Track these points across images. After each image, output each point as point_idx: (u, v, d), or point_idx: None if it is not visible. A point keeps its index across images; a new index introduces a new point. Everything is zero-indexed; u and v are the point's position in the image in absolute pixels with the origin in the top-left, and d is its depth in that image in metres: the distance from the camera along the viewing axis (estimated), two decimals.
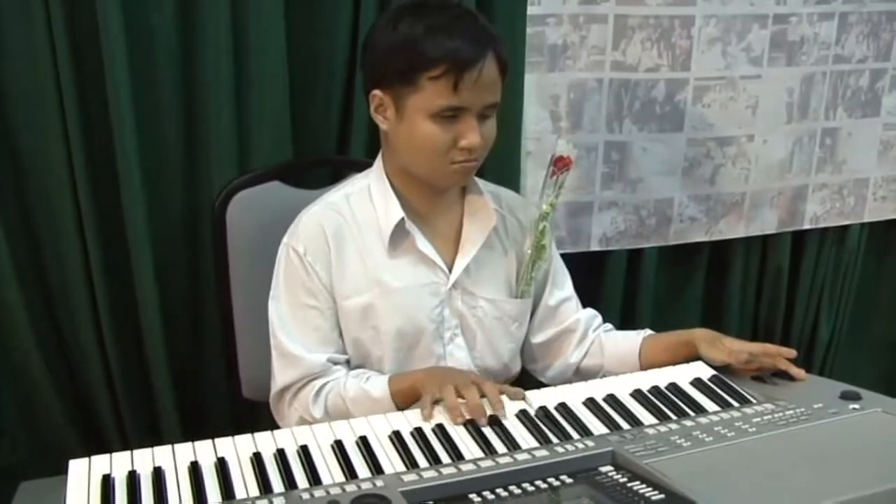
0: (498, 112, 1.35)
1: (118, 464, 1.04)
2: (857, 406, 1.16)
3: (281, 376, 1.38)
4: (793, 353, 1.34)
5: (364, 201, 1.40)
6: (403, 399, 1.29)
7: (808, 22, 2.11)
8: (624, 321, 2.20)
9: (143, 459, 1.05)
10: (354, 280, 1.37)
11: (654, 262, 2.25)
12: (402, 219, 1.36)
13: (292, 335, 1.37)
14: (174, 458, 1.06)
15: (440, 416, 1.17)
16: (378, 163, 1.43)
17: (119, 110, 1.63)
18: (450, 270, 1.40)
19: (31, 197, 1.69)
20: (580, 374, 1.53)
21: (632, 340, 1.50)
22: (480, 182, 1.45)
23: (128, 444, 1.84)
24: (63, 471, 1.04)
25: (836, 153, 2.29)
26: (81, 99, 1.63)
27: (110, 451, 1.06)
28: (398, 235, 1.37)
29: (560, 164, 1.45)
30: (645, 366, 1.45)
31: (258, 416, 1.69)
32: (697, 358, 1.37)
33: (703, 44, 2.03)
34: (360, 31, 1.80)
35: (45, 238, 1.72)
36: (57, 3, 1.56)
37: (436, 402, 1.19)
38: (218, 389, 1.85)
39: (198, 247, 1.81)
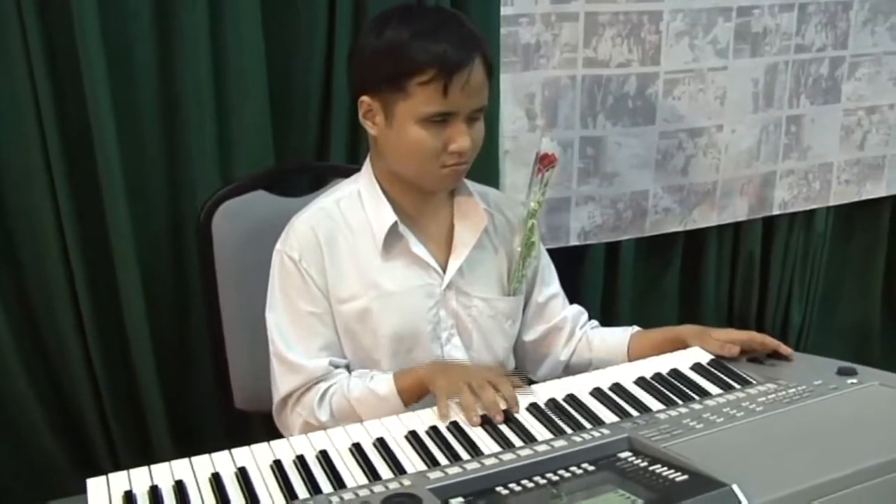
0: (485, 114, 1.36)
1: (137, 479, 1.03)
2: (854, 381, 1.19)
3: (283, 384, 1.37)
4: (777, 343, 1.37)
5: (355, 206, 1.41)
6: (409, 395, 1.30)
7: (769, 14, 2.17)
8: (604, 312, 2.24)
9: (163, 473, 1.04)
10: (350, 284, 1.37)
11: (631, 253, 2.29)
12: (396, 222, 1.37)
13: (291, 343, 1.37)
14: (193, 470, 1.05)
15: (454, 414, 1.18)
16: (367, 167, 1.43)
17: (100, 123, 1.61)
18: (443, 271, 1.41)
19: (11, 212, 1.67)
20: (569, 371, 1.54)
21: (619, 338, 1.52)
22: (468, 183, 1.47)
23: (118, 462, 1.82)
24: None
25: (800, 140, 2.35)
26: (60, 112, 1.61)
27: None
28: (391, 239, 1.38)
29: (545, 162, 1.47)
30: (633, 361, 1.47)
31: (251, 427, 1.69)
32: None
33: (672, 38, 2.07)
34: (335, 39, 1.81)
35: (27, 254, 1.70)
36: (33, 19, 1.54)
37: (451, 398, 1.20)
38: (209, 402, 1.84)
39: (183, 258, 1.80)
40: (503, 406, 1.17)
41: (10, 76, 1.58)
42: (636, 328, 1.54)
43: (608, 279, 2.29)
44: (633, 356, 1.48)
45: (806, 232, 2.51)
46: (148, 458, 1.25)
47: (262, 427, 1.54)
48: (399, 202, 1.39)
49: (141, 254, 1.71)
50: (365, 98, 1.33)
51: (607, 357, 1.50)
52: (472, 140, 1.31)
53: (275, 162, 1.81)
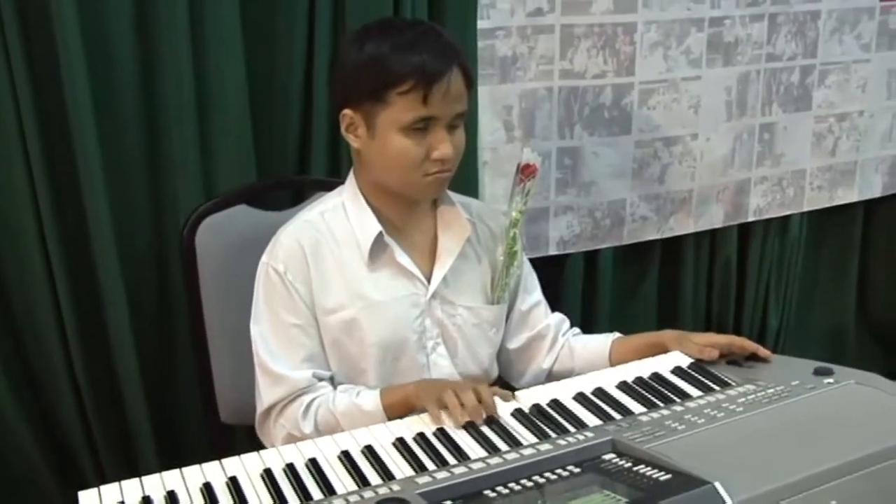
0: (465, 122, 1.39)
1: (129, 491, 1.04)
2: (830, 381, 1.22)
3: (267, 395, 1.39)
4: (755, 346, 1.39)
5: (339, 218, 1.42)
6: (395, 411, 1.31)
7: (740, 24, 2.21)
8: (584, 320, 2.27)
9: (154, 485, 1.05)
10: (336, 295, 1.39)
11: (609, 262, 2.32)
12: (381, 232, 1.39)
13: (276, 354, 1.38)
14: (184, 481, 1.06)
15: (442, 420, 1.20)
16: (350, 180, 1.45)
17: (83, 139, 1.63)
18: (428, 281, 1.43)
19: None
20: (552, 378, 1.55)
21: (601, 344, 1.55)
22: (451, 193, 1.49)
23: (103, 476, 1.82)
24: None
25: (773, 147, 2.40)
26: (43, 130, 1.62)
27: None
28: (376, 249, 1.40)
29: (527, 172, 1.50)
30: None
31: (235, 441, 1.70)
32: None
33: (646, 49, 2.11)
34: (314, 54, 1.84)
35: (10, 272, 1.70)
36: (14, 31, 1.56)
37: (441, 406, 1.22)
38: (194, 415, 1.84)
39: (166, 272, 1.81)
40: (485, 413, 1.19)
41: None
42: (617, 334, 1.56)
43: (587, 287, 2.31)
44: (614, 362, 1.50)
45: (781, 238, 2.56)
46: (133, 471, 1.25)
47: (247, 440, 1.55)
48: (383, 213, 1.41)
49: (125, 268, 1.73)
50: (347, 111, 1.35)
51: (590, 364, 1.52)
52: (454, 147, 1.34)
53: (257, 177, 1.82)
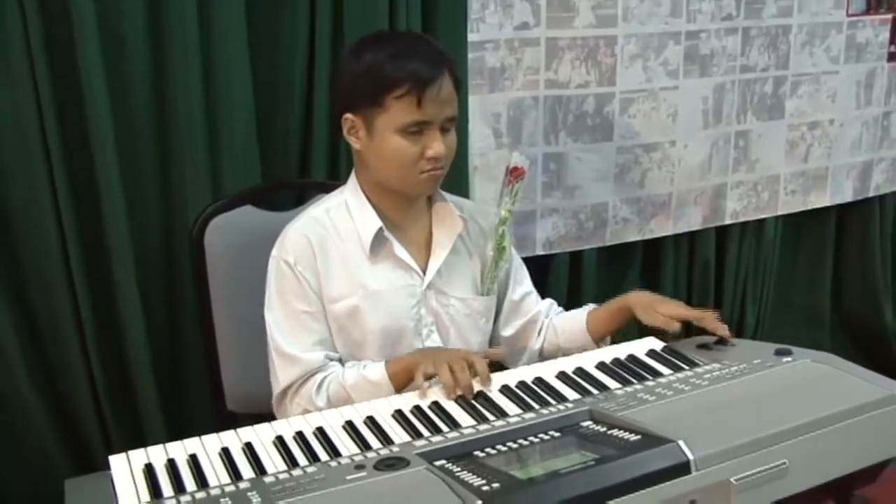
0: (456, 125, 1.51)
1: (155, 455, 1.16)
2: (788, 359, 1.34)
3: (283, 376, 1.49)
4: (713, 314, 1.51)
5: (343, 214, 1.54)
6: (399, 380, 1.43)
7: (716, 37, 2.35)
8: None
9: (177, 450, 1.17)
10: (340, 285, 1.51)
11: (593, 262, 2.44)
12: (381, 228, 1.51)
13: (289, 338, 1.49)
14: (203, 447, 1.18)
15: (434, 394, 1.32)
16: (352, 180, 1.57)
17: (100, 144, 1.75)
18: (423, 273, 1.55)
19: (16, 228, 1.78)
20: (543, 356, 1.69)
21: (577, 317, 1.68)
22: (444, 193, 1.61)
23: None
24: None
25: (749, 153, 2.53)
26: (63, 135, 1.73)
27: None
28: (377, 243, 1.52)
29: (515, 174, 1.63)
30: (594, 336, 1.64)
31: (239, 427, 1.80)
32: (635, 319, 1.56)
33: (626, 60, 2.24)
34: (315, 64, 1.96)
35: (31, 268, 1.80)
36: (40, 49, 1.67)
37: (429, 376, 1.34)
38: (202, 404, 1.94)
39: (175, 269, 1.92)
40: (477, 386, 1.32)
41: (16, 101, 1.71)
42: (592, 306, 1.70)
43: (572, 286, 2.43)
44: (591, 329, 1.64)
45: (757, 240, 2.69)
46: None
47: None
48: (383, 210, 1.53)
49: (138, 264, 1.83)
50: (348, 116, 1.48)
51: (572, 335, 1.66)
52: (446, 147, 1.46)
53: (261, 179, 1.94)
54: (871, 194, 2.82)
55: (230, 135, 1.89)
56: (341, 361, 1.52)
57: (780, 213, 2.67)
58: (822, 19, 2.51)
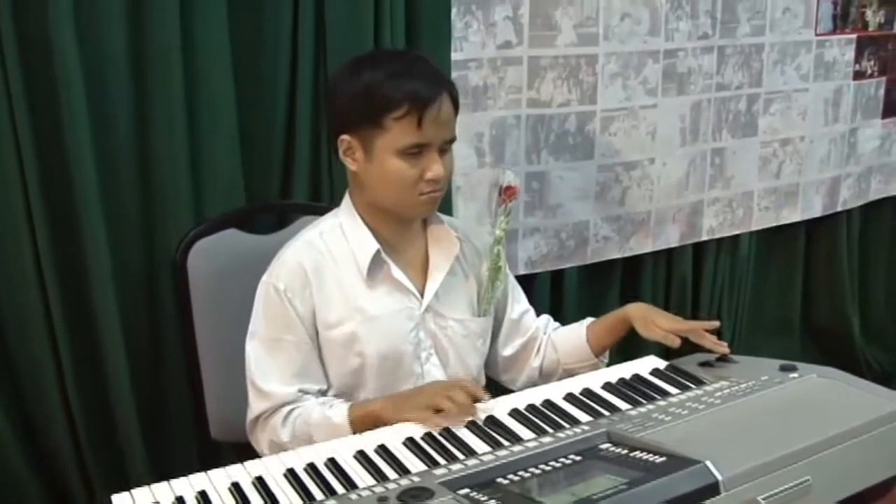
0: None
1: (161, 493, 1.11)
2: (795, 375, 1.35)
3: (255, 406, 1.48)
4: (716, 323, 1.55)
5: (338, 237, 1.51)
6: (360, 426, 1.37)
7: (692, 55, 2.37)
8: None
9: (184, 487, 1.12)
10: (337, 311, 1.47)
11: (574, 280, 2.43)
12: (378, 250, 1.47)
13: (265, 369, 1.46)
14: (212, 483, 1.14)
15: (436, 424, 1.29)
16: (346, 202, 1.54)
17: (80, 166, 1.69)
18: (421, 295, 1.52)
19: None
20: (543, 374, 1.68)
21: (577, 331, 1.67)
22: (440, 214, 1.59)
23: (93, 496, 1.86)
24: None
25: (724, 170, 2.56)
26: (40, 157, 1.67)
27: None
28: (374, 266, 1.48)
29: (508, 193, 1.61)
30: (595, 350, 1.63)
31: (224, 457, 1.75)
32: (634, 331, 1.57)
33: (607, 79, 2.25)
34: (297, 84, 1.92)
35: (4, 293, 1.73)
36: (13, 57, 1.61)
37: (437, 411, 1.31)
38: (186, 434, 1.88)
39: (157, 293, 1.86)
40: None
41: None
42: (590, 319, 1.69)
43: (554, 305, 2.42)
44: (592, 342, 1.64)
45: (732, 256, 2.71)
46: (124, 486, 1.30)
47: (234, 456, 1.60)
48: (379, 232, 1.50)
49: (119, 290, 1.77)
50: (345, 137, 1.44)
51: (573, 349, 1.65)
52: (444, 169, 1.44)
53: (245, 201, 1.90)
54: (839, 209, 2.87)
55: (212, 157, 1.84)
56: (323, 393, 1.49)
57: (753, 228, 2.70)
58: (792, 38, 2.56)
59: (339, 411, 1.41)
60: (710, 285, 2.68)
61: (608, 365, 1.64)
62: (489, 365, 1.67)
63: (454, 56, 2.06)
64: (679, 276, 2.62)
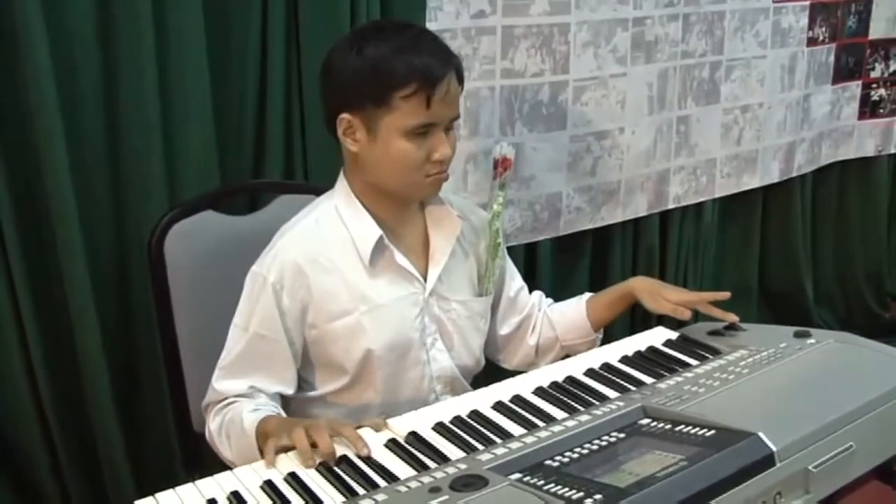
0: None
1: (187, 495, 1.03)
2: (812, 341, 1.34)
3: (208, 394, 1.43)
4: (727, 294, 1.55)
5: (334, 223, 1.42)
6: (262, 440, 1.24)
7: (659, 23, 2.36)
8: None
9: (210, 487, 1.05)
10: (339, 302, 1.39)
11: (547, 252, 2.42)
12: (381, 237, 1.39)
13: (228, 360, 1.40)
14: (241, 482, 1.07)
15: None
16: (342, 183, 1.44)
17: (50, 147, 1.59)
18: (424, 280, 1.46)
19: None
20: (539, 352, 1.64)
21: (576, 307, 1.64)
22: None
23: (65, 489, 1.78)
24: None
25: (689, 138, 2.57)
26: (6, 139, 1.58)
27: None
28: (375, 252, 1.40)
29: (503, 166, 1.56)
30: (594, 325, 1.61)
31: (206, 448, 1.68)
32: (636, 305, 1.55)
33: (579, 48, 2.22)
34: (268, 53, 1.84)
35: None
36: None
37: (284, 449, 1.17)
38: (166, 427, 1.80)
39: (130, 282, 1.77)
40: (344, 450, 1.15)
41: None
42: (589, 294, 1.65)
43: (528, 278, 2.37)
44: (592, 319, 1.60)
45: (696, 223, 2.74)
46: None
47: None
48: (378, 215, 1.42)
49: (94, 280, 1.68)
50: (345, 116, 1.34)
51: (572, 325, 1.61)
52: (451, 148, 1.38)
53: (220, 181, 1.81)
54: (794, 174, 2.92)
55: (186, 136, 1.76)
56: (281, 396, 1.43)
57: (716, 195, 2.72)
58: (751, 5, 2.57)
59: (251, 419, 1.31)
60: (676, 253, 2.70)
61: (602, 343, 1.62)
62: (485, 344, 1.62)
63: (429, 27, 1.99)
64: (646, 245, 2.63)
